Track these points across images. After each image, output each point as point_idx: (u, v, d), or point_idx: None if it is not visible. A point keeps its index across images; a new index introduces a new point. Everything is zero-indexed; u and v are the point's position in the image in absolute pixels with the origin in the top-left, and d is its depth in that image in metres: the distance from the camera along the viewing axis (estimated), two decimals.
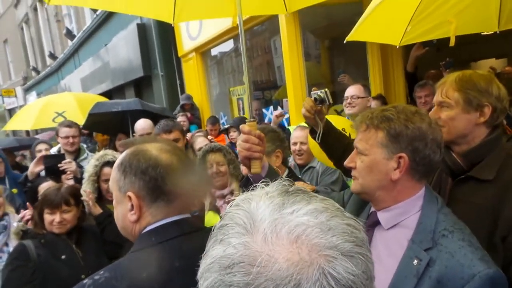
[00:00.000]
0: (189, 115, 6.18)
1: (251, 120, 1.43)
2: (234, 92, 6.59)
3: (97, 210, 2.60)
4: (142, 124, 3.73)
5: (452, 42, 2.53)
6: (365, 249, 0.51)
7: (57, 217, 2.24)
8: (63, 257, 2.22)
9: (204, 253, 0.53)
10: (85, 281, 0.99)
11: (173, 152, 1.09)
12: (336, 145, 1.79)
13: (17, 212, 3.00)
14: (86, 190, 2.62)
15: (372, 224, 1.26)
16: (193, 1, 2.44)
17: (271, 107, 4.81)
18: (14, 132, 14.79)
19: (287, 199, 0.52)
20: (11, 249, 2.52)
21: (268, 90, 6.79)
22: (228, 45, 6.90)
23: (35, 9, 17.09)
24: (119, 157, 1.12)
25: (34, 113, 6.11)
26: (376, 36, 3.32)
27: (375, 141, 1.18)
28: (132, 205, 1.04)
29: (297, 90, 4.69)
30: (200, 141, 3.60)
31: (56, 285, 2.11)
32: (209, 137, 4.38)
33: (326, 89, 1.71)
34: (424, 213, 1.15)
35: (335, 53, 6.55)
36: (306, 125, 3.41)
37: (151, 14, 2.81)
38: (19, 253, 2.22)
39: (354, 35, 2.95)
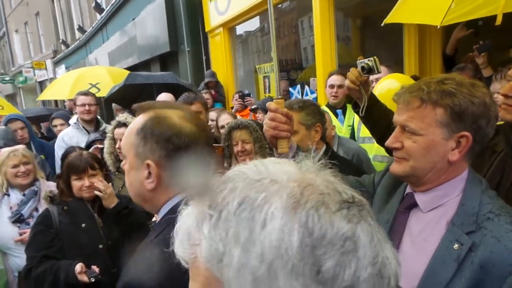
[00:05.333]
0: (213, 92, 6.10)
1: (278, 97, 1.35)
2: (260, 69, 6.46)
3: (113, 202, 2.29)
4: (164, 98, 3.69)
5: (499, 21, 2.30)
6: None
7: (86, 182, 2.25)
8: (83, 225, 2.23)
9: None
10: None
11: (194, 122, 1.05)
12: (381, 120, 1.65)
13: (47, 178, 3.04)
14: (102, 181, 2.30)
15: (408, 207, 1.16)
16: None
17: (298, 86, 4.68)
18: (44, 103, 15.21)
19: (258, 161, 0.52)
20: None
21: (294, 70, 6.62)
22: (254, 24, 6.77)
23: None
24: (138, 121, 1.05)
25: (69, 84, 6.29)
26: (416, 17, 3.10)
27: (433, 119, 1.05)
28: (149, 173, 0.99)
29: (327, 70, 4.52)
30: (224, 118, 3.51)
31: (74, 251, 2.14)
32: (238, 116, 4.28)
33: (375, 57, 1.58)
34: (466, 194, 1.05)
35: (367, 34, 6.29)
36: (326, 109, 3.28)
37: None
38: (42, 218, 2.25)
39: (392, 17, 2.77)
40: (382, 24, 2.78)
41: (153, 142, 0.99)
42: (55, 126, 4.72)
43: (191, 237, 0.49)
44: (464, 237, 0.99)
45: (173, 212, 0.97)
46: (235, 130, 2.44)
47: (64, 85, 6.47)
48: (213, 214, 0.47)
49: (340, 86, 3.49)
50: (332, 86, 3.50)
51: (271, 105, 1.30)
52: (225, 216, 0.46)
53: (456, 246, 0.99)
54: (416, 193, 1.15)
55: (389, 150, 1.19)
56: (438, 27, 2.99)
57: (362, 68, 1.60)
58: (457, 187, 1.08)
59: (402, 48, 4.44)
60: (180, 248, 0.50)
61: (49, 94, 7.52)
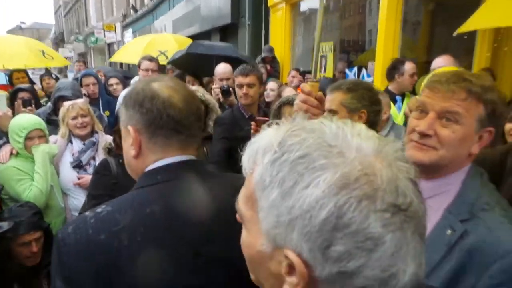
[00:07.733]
0: (268, 67, 6.11)
1: (314, 80, 1.32)
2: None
3: None
4: (223, 69, 3.77)
5: None
6: None
7: None
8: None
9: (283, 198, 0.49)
10: (86, 213, 0.95)
11: (176, 89, 1.03)
12: None
13: (104, 132, 3.30)
14: None
15: None
16: None
17: (355, 68, 4.54)
18: (110, 64, 16.13)
19: (344, 125, 0.52)
20: (97, 163, 2.80)
21: (354, 52, 6.41)
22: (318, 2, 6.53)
23: None
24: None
25: (140, 50, 6.48)
26: (493, 21, 2.79)
27: (475, 112, 1.06)
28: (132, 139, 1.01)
29: (388, 55, 4.34)
30: (288, 91, 3.64)
31: None
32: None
33: None
34: (465, 186, 1.08)
35: (439, 19, 5.88)
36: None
37: None
38: (102, 166, 2.44)
39: (467, 26, 2.48)
40: (454, 34, 2.50)
41: (131, 108, 1.01)
42: (111, 85, 5.02)
43: (256, 157, 0.55)
44: (457, 224, 1.02)
45: (150, 175, 1.00)
46: (285, 105, 2.45)
47: (135, 50, 6.71)
48: (277, 151, 0.51)
49: (412, 75, 3.47)
50: (412, 75, 3.49)
51: (305, 87, 1.28)
52: (284, 159, 0.50)
53: (449, 232, 1.02)
54: (423, 180, 1.13)
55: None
56: None
57: None
58: (459, 177, 1.10)
59: (475, 38, 4.12)
60: (246, 160, 0.56)
61: (120, 57, 7.94)
